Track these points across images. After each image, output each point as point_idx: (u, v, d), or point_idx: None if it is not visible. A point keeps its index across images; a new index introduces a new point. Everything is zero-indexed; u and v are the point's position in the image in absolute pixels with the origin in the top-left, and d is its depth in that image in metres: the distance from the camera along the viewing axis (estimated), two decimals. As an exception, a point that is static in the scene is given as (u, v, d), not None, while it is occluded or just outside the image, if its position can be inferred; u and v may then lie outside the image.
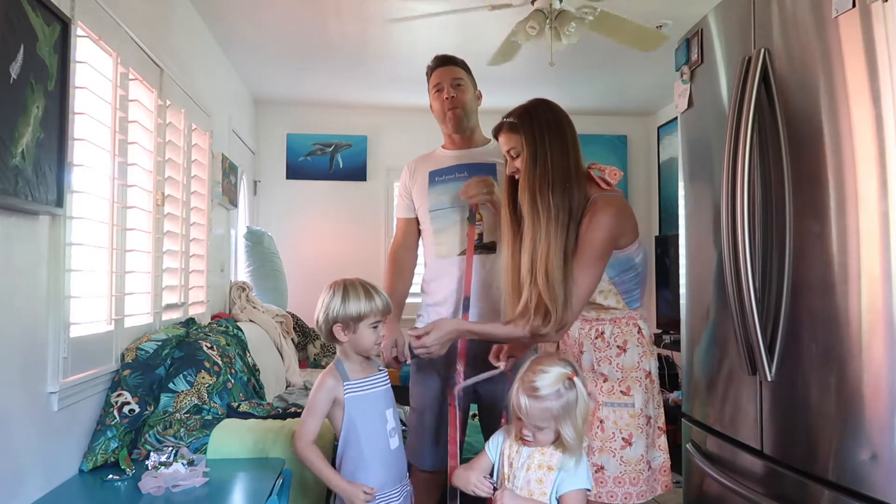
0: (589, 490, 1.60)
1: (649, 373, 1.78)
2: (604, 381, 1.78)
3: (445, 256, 2.25)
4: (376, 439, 1.85)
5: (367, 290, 1.88)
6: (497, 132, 1.86)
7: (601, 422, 1.76)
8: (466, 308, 2.14)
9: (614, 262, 1.77)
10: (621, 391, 1.76)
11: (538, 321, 1.71)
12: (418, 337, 1.83)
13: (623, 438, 1.74)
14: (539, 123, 1.78)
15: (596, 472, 1.72)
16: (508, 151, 1.83)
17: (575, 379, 1.55)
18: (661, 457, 1.80)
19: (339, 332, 1.84)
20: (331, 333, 1.85)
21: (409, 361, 2.25)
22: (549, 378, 1.54)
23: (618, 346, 1.78)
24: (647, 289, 1.87)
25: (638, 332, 1.79)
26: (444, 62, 2.36)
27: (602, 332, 1.81)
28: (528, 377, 1.57)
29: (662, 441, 1.80)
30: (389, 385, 1.96)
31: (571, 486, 1.56)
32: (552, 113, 1.81)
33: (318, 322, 1.86)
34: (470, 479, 1.65)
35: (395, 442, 1.88)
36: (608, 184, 1.79)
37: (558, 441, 1.57)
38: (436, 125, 2.41)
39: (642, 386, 1.76)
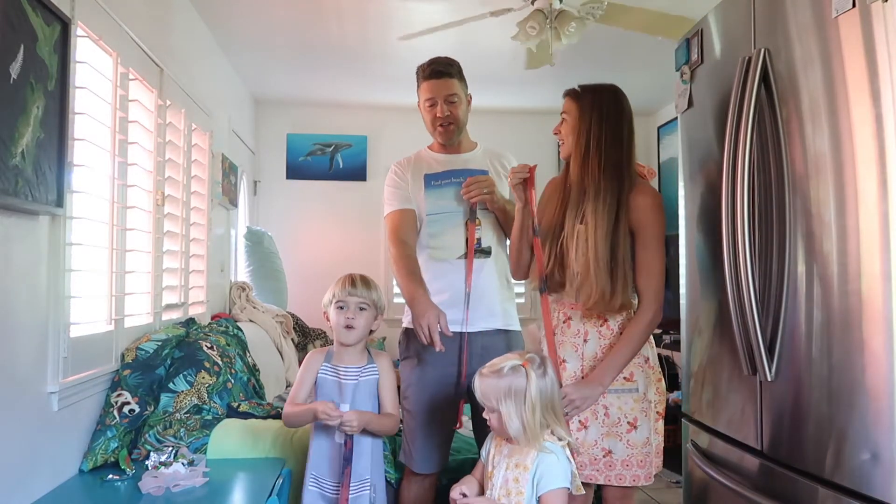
0: (569, 488, 1.60)
1: (648, 359, 1.90)
2: None
3: (442, 260, 2.24)
4: (326, 426, 1.91)
5: (353, 279, 1.97)
6: (565, 95, 1.97)
7: (606, 409, 1.84)
8: (468, 304, 2.16)
9: None
10: (625, 377, 1.84)
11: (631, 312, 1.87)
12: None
13: (629, 423, 1.83)
14: (598, 103, 1.89)
15: (604, 455, 1.81)
16: (563, 115, 1.94)
17: (527, 367, 1.58)
18: (657, 439, 1.90)
19: (326, 319, 2.01)
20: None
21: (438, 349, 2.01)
22: (500, 361, 1.62)
23: (620, 334, 1.87)
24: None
25: None
26: (437, 74, 2.25)
27: (606, 320, 1.89)
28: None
29: (660, 425, 1.91)
30: (366, 382, 1.97)
31: (550, 486, 1.57)
32: (616, 103, 1.91)
33: None
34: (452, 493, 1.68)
35: (342, 437, 1.90)
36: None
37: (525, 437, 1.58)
38: (435, 125, 2.40)
39: (643, 371, 1.87)
